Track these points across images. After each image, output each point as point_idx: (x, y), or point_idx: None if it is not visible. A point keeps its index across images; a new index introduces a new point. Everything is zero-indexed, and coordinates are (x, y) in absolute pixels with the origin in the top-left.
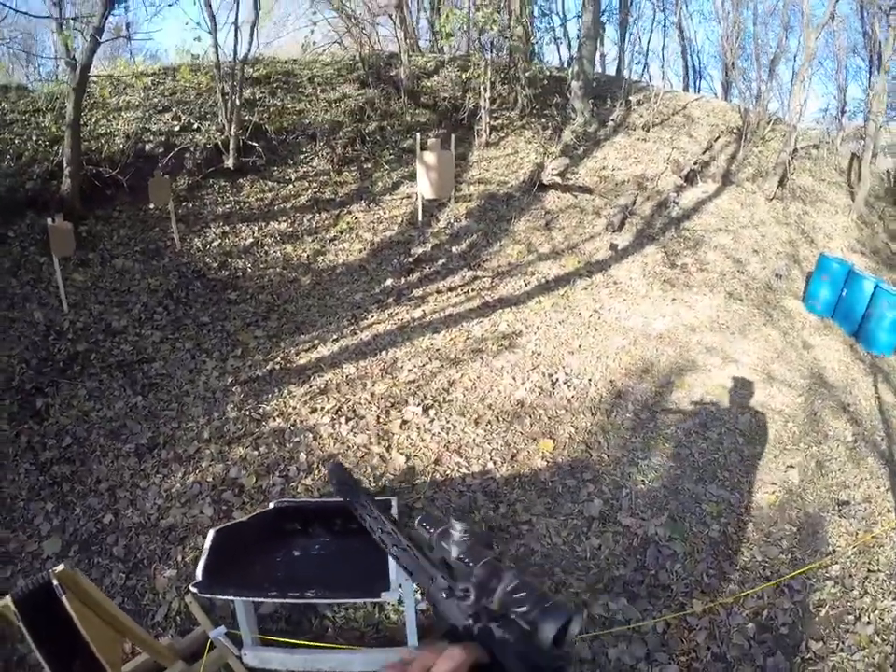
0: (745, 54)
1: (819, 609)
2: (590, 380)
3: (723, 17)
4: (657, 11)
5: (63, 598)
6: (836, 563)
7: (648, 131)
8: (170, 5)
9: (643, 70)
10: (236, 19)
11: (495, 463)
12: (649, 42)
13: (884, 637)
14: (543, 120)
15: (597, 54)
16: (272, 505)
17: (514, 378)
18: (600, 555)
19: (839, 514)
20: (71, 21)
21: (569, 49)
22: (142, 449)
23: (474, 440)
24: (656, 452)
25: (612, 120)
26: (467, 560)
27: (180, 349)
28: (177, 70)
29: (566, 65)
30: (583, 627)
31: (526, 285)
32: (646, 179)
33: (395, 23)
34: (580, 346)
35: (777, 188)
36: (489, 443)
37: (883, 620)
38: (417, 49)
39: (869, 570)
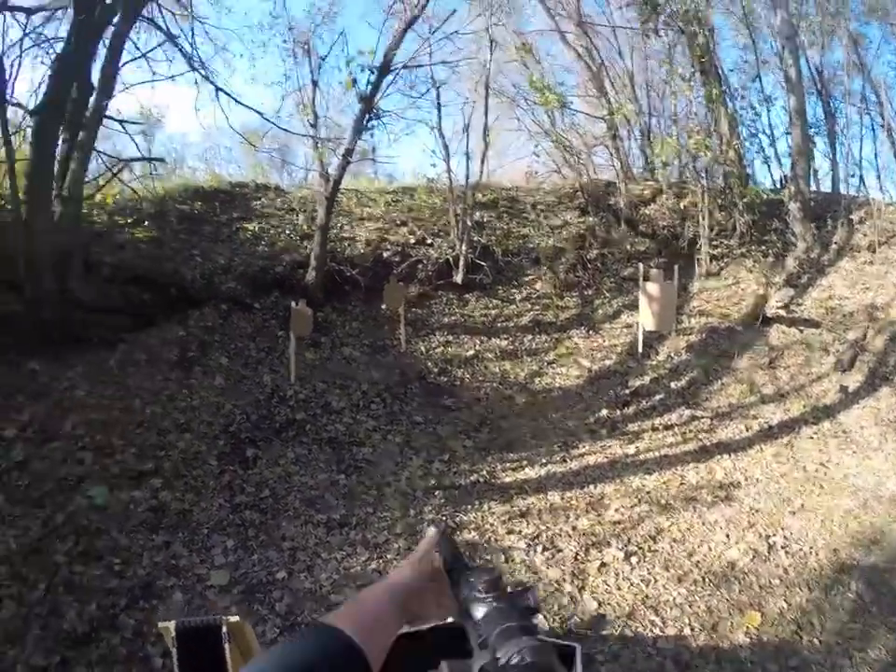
0: None
1: None
2: (811, 548)
3: None
4: (863, 115)
5: (226, 646)
6: None
7: (874, 252)
8: (407, 134)
9: (859, 183)
10: (467, 148)
11: (692, 629)
12: (861, 151)
13: None
14: (763, 247)
15: (808, 169)
16: (450, 619)
17: (728, 535)
18: None
19: None
20: (325, 141)
21: (780, 168)
22: (333, 523)
23: (674, 599)
24: (876, 644)
25: (835, 243)
26: (480, 631)
27: (390, 441)
28: (414, 190)
29: (779, 185)
30: None
31: (747, 429)
32: (876, 308)
33: (611, 153)
34: (802, 506)
35: None
36: (690, 606)
37: None
38: (632, 177)
39: None
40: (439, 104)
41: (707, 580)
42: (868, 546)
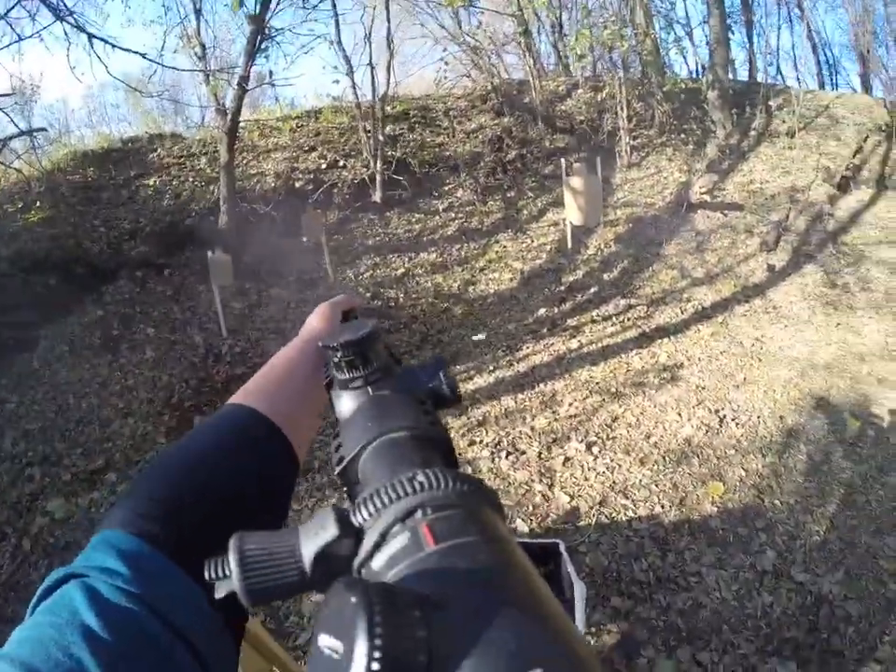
0: (879, 40)
1: None
2: (759, 417)
3: (850, 1)
4: (781, 6)
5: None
6: None
7: (792, 137)
8: (305, 52)
9: (776, 72)
10: (370, 59)
11: (663, 507)
12: (778, 40)
13: None
14: (683, 136)
15: (727, 57)
16: None
17: (679, 414)
18: (772, 614)
19: None
20: (217, 73)
21: (697, 58)
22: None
23: (640, 480)
24: (831, 499)
25: (754, 129)
26: (343, 452)
27: None
28: (320, 112)
29: (695, 75)
30: None
31: (683, 312)
32: (796, 191)
33: (522, 50)
34: (745, 379)
35: None
36: (656, 485)
37: None
38: (545, 74)
39: None
40: (336, 14)
41: (667, 458)
42: (810, 411)
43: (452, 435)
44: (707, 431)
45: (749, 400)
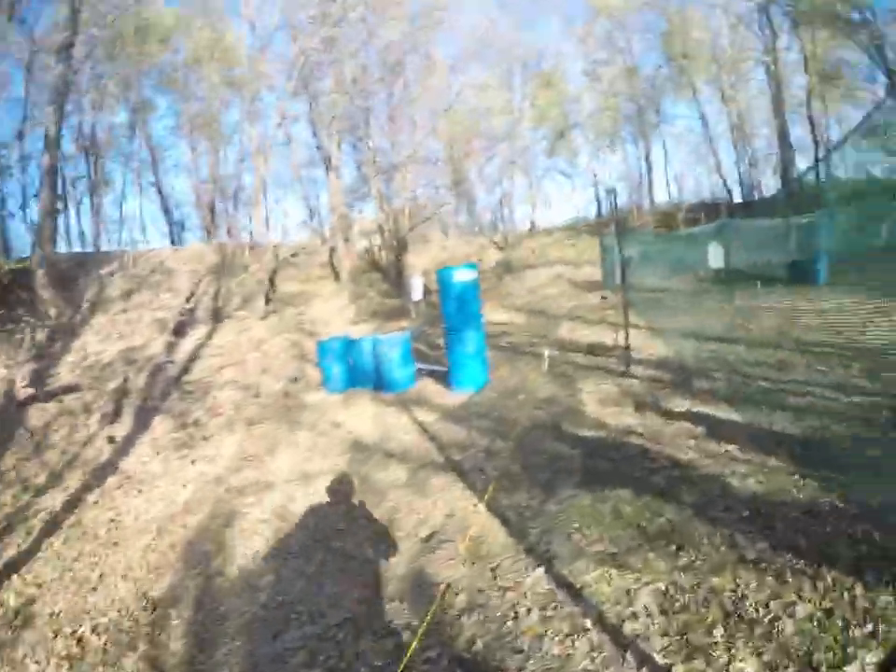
0: (220, 195)
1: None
2: (119, 610)
3: (192, 165)
4: (137, 174)
5: None
6: (459, 592)
7: (127, 300)
8: None
9: (123, 236)
10: None
11: None
12: (124, 206)
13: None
14: (11, 325)
15: (55, 231)
16: None
17: (26, 659)
18: None
19: (433, 551)
20: None
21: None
22: None
23: None
24: (224, 639)
25: (87, 301)
26: None
27: None
28: None
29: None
30: None
31: (28, 534)
32: (132, 351)
33: None
34: (101, 575)
35: (267, 304)
36: None
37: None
38: None
39: (491, 569)
40: None
41: None
42: (175, 565)
43: None
44: (61, 657)
45: (108, 598)
